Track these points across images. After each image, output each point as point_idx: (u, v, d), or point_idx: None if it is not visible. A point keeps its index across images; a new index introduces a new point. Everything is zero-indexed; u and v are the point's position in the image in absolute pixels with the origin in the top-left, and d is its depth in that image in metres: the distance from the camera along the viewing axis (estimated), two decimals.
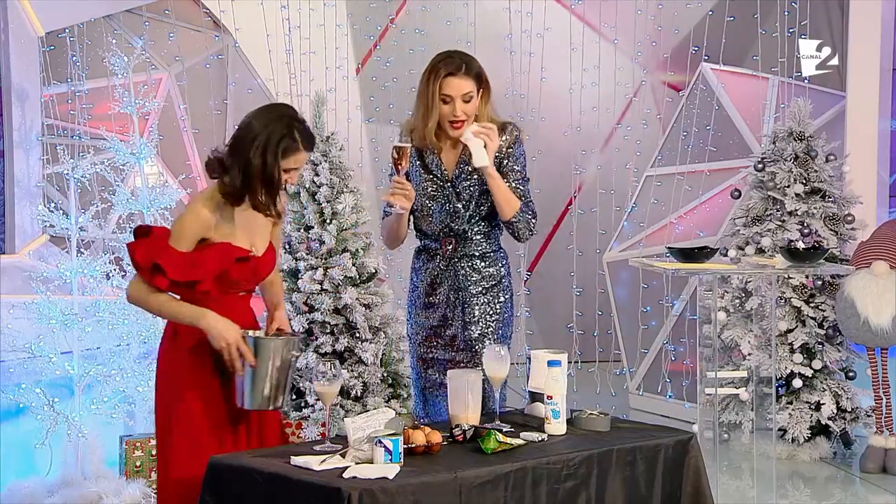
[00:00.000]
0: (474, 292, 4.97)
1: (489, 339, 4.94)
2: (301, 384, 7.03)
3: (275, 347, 4.31)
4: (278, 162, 4.34)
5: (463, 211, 4.95)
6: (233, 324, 4.34)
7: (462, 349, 4.98)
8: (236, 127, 4.42)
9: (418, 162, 4.98)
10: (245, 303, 4.55)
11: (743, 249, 7.81)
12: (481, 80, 4.89)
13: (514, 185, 4.96)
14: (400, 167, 4.74)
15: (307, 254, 7.17)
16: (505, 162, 4.96)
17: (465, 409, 4.32)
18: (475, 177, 4.93)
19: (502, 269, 5.05)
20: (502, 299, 5.01)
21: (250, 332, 4.35)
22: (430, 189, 4.97)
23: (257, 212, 4.41)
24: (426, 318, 5.04)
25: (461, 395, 4.33)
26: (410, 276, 5.14)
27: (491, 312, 4.98)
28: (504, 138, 4.94)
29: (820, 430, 7.68)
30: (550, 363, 4.39)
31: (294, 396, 7.07)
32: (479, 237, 4.99)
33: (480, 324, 4.96)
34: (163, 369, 4.50)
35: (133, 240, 4.46)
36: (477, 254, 4.99)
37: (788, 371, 7.65)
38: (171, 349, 4.47)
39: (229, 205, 4.39)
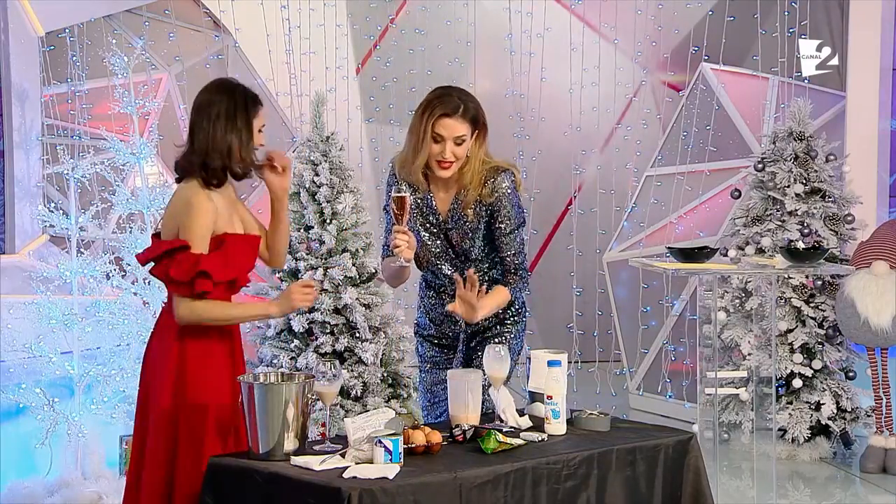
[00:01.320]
0: (485, 326, 4.88)
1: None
2: None
3: (287, 393, 4.04)
4: (251, 119, 4.38)
5: (453, 255, 4.84)
6: (284, 295, 4.40)
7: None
8: (190, 116, 4.42)
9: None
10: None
11: (743, 249, 7.81)
12: (477, 123, 4.72)
13: (507, 238, 4.78)
14: (401, 218, 4.56)
15: (307, 254, 7.17)
16: (497, 208, 4.76)
17: (465, 409, 4.31)
18: (468, 221, 4.79)
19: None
20: (514, 330, 4.91)
21: (261, 379, 4.15)
22: (422, 231, 4.82)
23: (245, 178, 4.45)
24: (437, 349, 4.98)
25: (461, 395, 4.33)
26: (418, 305, 5.02)
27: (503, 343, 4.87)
28: (497, 182, 4.75)
29: (820, 430, 7.68)
30: (550, 363, 4.38)
31: None
32: (482, 270, 4.85)
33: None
34: (163, 367, 4.42)
35: (151, 263, 4.39)
36: (484, 286, 4.80)
37: (788, 371, 7.66)
38: (175, 347, 4.40)
39: (215, 189, 4.37)
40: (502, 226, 4.78)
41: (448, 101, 4.69)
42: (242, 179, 4.48)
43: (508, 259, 4.82)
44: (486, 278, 4.87)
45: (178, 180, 4.44)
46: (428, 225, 4.84)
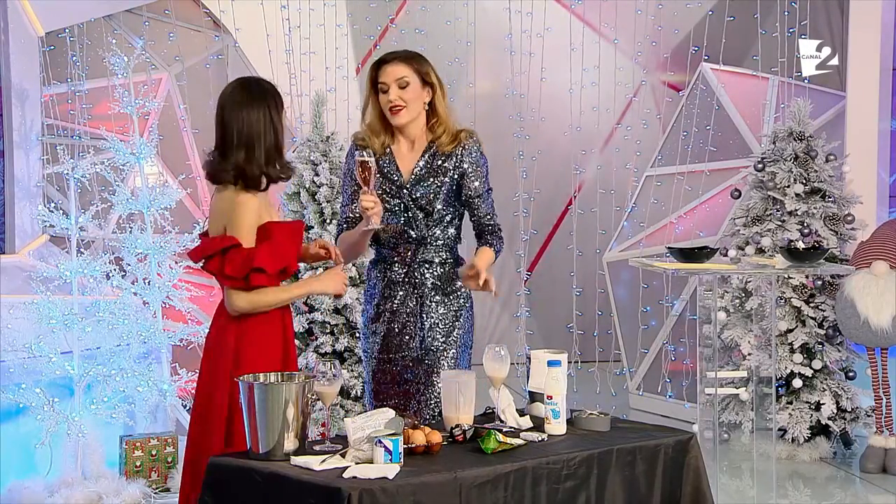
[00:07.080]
0: (434, 299, 4.90)
1: (450, 347, 4.91)
2: None
3: (287, 393, 4.03)
4: (282, 125, 4.55)
5: (422, 217, 4.88)
6: (326, 276, 4.64)
7: (419, 359, 4.91)
8: (224, 123, 4.50)
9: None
10: None
11: (743, 249, 7.81)
12: (421, 74, 4.86)
13: (480, 199, 4.90)
14: (368, 182, 4.65)
15: None
16: (471, 169, 4.90)
17: (457, 411, 4.30)
18: (432, 183, 4.88)
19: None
20: (463, 311, 4.95)
21: (261, 379, 4.17)
22: (386, 195, 4.88)
23: (278, 182, 4.58)
24: (385, 327, 4.93)
25: (452, 396, 4.31)
26: (366, 288, 5.04)
27: (451, 319, 4.93)
28: (471, 143, 4.91)
29: (820, 430, 7.68)
30: (550, 363, 4.38)
31: None
32: (438, 244, 4.92)
33: (439, 329, 4.90)
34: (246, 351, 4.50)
35: (201, 260, 4.51)
36: (437, 260, 4.91)
37: (788, 371, 7.66)
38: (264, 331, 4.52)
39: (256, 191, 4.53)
40: (476, 185, 4.91)
41: (386, 53, 4.93)
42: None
43: (485, 220, 4.94)
44: (439, 255, 4.91)
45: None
46: (391, 188, 4.89)
